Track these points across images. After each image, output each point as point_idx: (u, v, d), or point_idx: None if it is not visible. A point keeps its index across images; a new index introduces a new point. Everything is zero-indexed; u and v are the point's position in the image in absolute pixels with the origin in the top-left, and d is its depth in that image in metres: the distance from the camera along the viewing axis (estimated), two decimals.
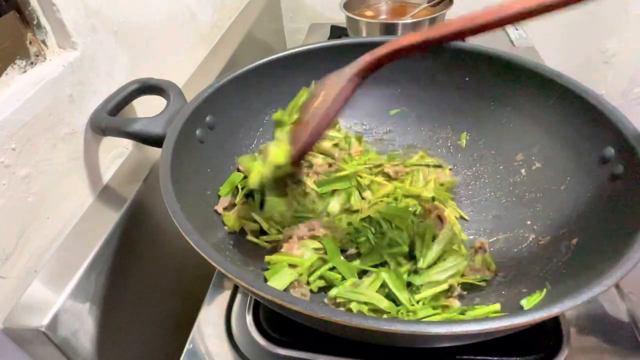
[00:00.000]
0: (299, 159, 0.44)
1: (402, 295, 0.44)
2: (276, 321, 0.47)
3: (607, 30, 1.10)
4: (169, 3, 0.69)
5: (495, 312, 0.42)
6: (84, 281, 0.46)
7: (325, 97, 0.42)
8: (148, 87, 0.57)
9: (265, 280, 0.46)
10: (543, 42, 0.98)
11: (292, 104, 0.47)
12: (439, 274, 0.46)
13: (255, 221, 0.53)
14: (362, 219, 0.53)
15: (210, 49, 0.83)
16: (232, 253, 0.48)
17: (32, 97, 0.44)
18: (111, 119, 0.51)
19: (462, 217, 0.55)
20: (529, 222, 0.51)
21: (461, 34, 0.35)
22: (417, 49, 0.38)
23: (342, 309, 0.45)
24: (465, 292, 0.46)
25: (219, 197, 0.54)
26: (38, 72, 0.46)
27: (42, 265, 0.46)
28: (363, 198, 0.56)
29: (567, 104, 0.50)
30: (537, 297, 0.41)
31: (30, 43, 0.47)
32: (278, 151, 0.45)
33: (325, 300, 0.46)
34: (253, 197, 0.55)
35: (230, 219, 0.52)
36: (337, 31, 1.04)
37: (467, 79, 0.60)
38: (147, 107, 0.60)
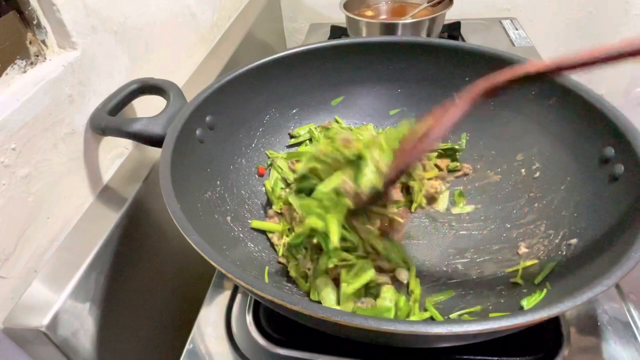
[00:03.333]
0: (393, 180, 0.43)
1: None
2: (276, 321, 0.47)
3: (607, 30, 1.10)
4: (169, 3, 0.69)
5: (475, 312, 0.43)
6: (84, 281, 0.46)
7: (431, 121, 0.39)
8: (148, 87, 0.56)
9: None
10: (543, 42, 0.97)
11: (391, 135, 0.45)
12: None
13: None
14: None
15: (210, 49, 0.83)
16: (232, 253, 0.48)
17: (32, 97, 0.44)
18: (111, 119, 0.51)
19: (462, 216, 0.56)
20: None
21: (585, 65, 0.33)
22: (537, 77, 0.35)
23: None
24: None
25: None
26: (38, 72, 0.46)
27: (42, 265, 0.46)
28: None
29: (567, 104, 0.50)
30: (537, 297, 0.41)
31: (30, 43, 0.47)
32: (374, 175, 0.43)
33: None
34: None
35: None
36: (337, 31, 1.03)
37: (467, 79, 0.60)
38: (147, 107, 0.60)
